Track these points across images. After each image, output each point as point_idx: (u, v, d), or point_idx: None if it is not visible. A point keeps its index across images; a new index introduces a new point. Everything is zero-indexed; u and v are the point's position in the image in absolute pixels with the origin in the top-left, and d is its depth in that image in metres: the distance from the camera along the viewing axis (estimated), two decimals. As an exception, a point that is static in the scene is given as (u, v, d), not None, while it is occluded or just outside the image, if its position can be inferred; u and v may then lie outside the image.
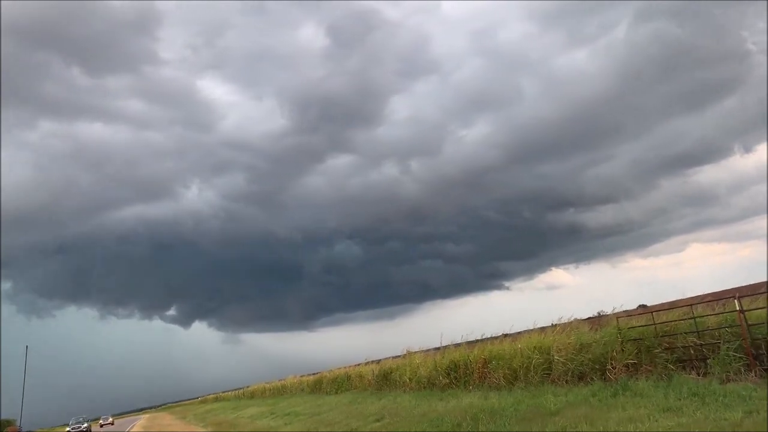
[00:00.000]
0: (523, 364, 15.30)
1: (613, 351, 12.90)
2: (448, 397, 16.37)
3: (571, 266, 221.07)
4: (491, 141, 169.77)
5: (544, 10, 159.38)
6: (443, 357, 19.76)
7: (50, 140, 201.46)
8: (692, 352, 11.77)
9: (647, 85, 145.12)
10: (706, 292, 14.49)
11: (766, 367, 10.28)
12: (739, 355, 10.64)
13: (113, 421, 66.22)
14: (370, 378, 25.60)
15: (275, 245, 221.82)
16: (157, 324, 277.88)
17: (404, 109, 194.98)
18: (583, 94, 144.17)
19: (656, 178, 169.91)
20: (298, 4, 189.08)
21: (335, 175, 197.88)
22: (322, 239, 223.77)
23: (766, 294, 11.81)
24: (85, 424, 52.79)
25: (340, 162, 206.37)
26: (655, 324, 12.64)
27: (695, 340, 11.74)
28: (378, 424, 15.84)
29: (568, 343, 14.15)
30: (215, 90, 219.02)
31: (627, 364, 12.51)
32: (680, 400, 9.56)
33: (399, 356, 25.30)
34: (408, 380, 21.12)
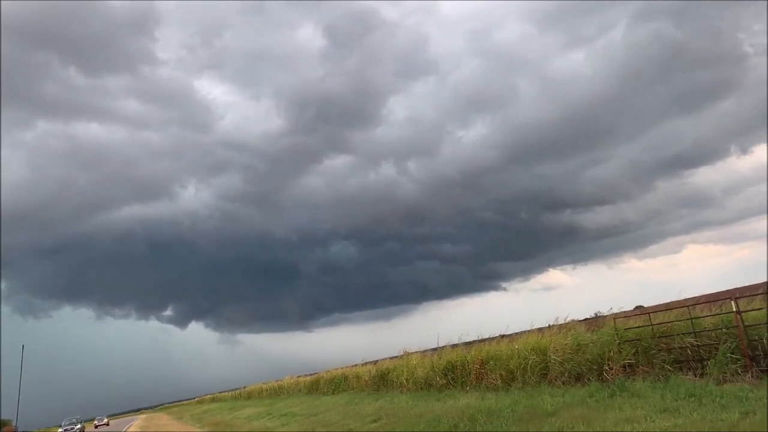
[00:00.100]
0: (520, 365, 15.31)
1: (610, 352, 12.92)
2: (446, 398, 16.37)
3: (568, 267, 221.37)
4: (489, 142, 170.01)
5: (542, 11, 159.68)
6: (440, 358, 19.76)
7: (47, 140, 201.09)
8: (689, 353, 11.79)
9: (644, 86, 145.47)
10: (702, 294, 14.49)
11: (762, 368, 10.30)
12: (735, 356, 10.67)
13: (108, 422, 65.79)
14: (367, 379, 25.60)
15: (272, 245, 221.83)
16: (153, 324, 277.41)
17: (402, 110, 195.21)
18: (581, 95, 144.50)
19: (653, 179, 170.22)
20: (295, 4, 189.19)
21: (333, 176, 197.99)
22: (320, 240, 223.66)
23: (762, 295, 11.84)
24: (78, 425, 52.42)
25: (337, 162, 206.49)
26: (652, 325, 12.66)
27: (692, 341, 11.76)
28: (375, 424, 15.83)
29: (565, 344, 14.16)
30: (213, 90, 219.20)
31: (624, 364, 12.52)
32: (677, 400, 9.57)
33: (396, 357, 25.30)
34: (405, 381, 21.11)
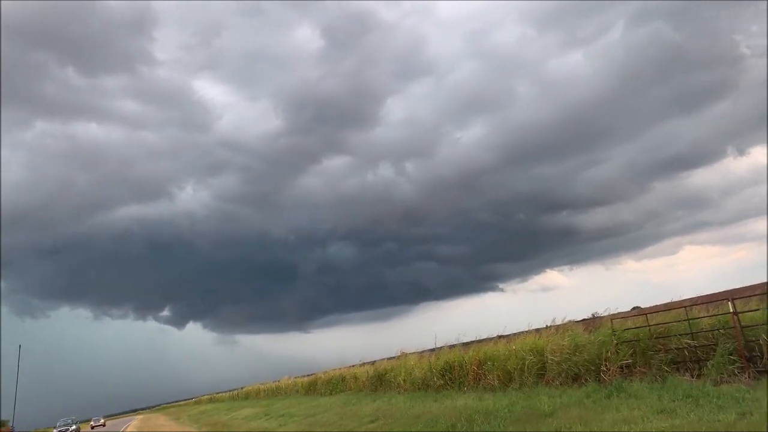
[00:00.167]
0: (517, 366, 15.33)
1: (607, 352, 12.93)
2: (443, 399, 16.37)
3: (566, 268, 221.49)
4: (486, 143, 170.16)
5: (540, 12, 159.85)
6: (438, 358, 19.77)
7: (45, 140, 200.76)
8: (686, 353, 11.82)
9: (642, 87, 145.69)
10: (699, 295, 14.52)
11: (759, 369, 10.32)
12: (733, 357, 10.69)
13: (105, 423, 65.44)
14: (364, 379, 25.59)
15: (270, 246, 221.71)
16: (151, 325, 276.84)
17: (400, 111, 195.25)
18: (578, 97, 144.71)
19: (650, 180, 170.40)
20: (293, 5, 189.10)
21: (330, 176, 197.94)
22: (318, 240, 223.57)
23: (759, 296, 11.87)
24: (74, 426, 52.10)
25: (335, 163, 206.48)
26: (649, 326, 12.68)
27: (689, 341, 11.78)
28: (373, 425, 15.83)
29: (563, 345, 14.17)
30: (211, 90, 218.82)
31: (621, 365, 12.54)
32: (674, 401, 9.59)
33: (394, 357, 25.30)
34: (402, 381, 21.11)
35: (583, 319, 17.88)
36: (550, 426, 10.06)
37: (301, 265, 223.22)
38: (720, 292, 15.03)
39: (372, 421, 16.26)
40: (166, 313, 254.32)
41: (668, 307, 13.76)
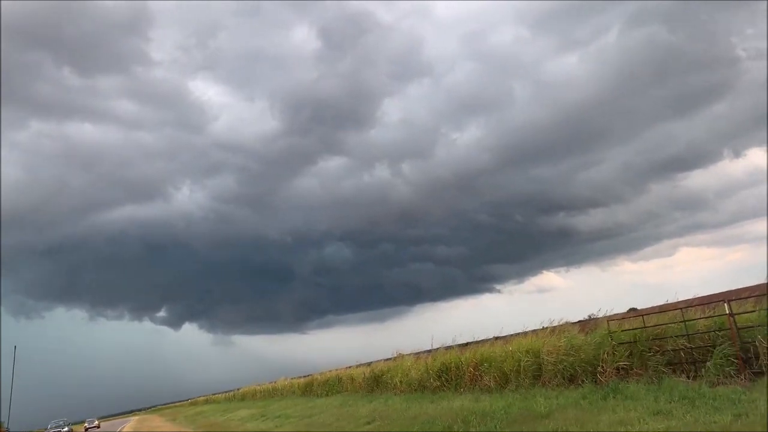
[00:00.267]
0: (514, 367, 15.33)
1: (604, 354, 12.95)
2: (439, 400, 16.37)
3: (562, 269, 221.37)
4: (483, 144, 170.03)
5: (537, 14, 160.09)
6: (434, 360, 19.77)
7: (41, 140, 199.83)
8: (682, 355, 11.84)
9: (638, 89, 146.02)
10: (696, 296, 14.55)
11: (755, 371, 10.35)
12: (729, 359, 10.71)
13: (99, 425, 64.81)
14: (361, 380, 25.56)
15: (266, 247, 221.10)
16: (147, 325, 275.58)
17: (396, 112, 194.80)
18: (575, 98, 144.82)
19: (646, 182, 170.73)
20: (290, 5, 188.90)
21: (327, 177, 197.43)
22: (314, 241, 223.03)
23: (755, 298, 11.90)
24: (66, 428, 51.63)
25: (332, 164, 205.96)
26: (645, 327, 12.70)
27: (685, 343, 11.81)
28: (369, 426, 15.82)
29: (559, 346, 14.19)
30: (207, 91, 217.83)
31: (618, 366, 12.56)
32: (670, 403, 9.61)
33: (390, 359, 25.28)
34: (399, 383, 21.09)
35: (580, 321, 17.89)
36: (547, 427, 10.07)
37: (298, 266, 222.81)
38: (716, 294, 15.06)
39: (368, 423, 16.25)
40: (162, 314, 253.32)
41: (664, 309, 13.79)
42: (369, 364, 27.85)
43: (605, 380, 12.42)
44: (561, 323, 16.53)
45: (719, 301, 11.92)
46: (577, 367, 13.47)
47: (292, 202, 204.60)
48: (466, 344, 20.63)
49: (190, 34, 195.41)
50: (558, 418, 10.45)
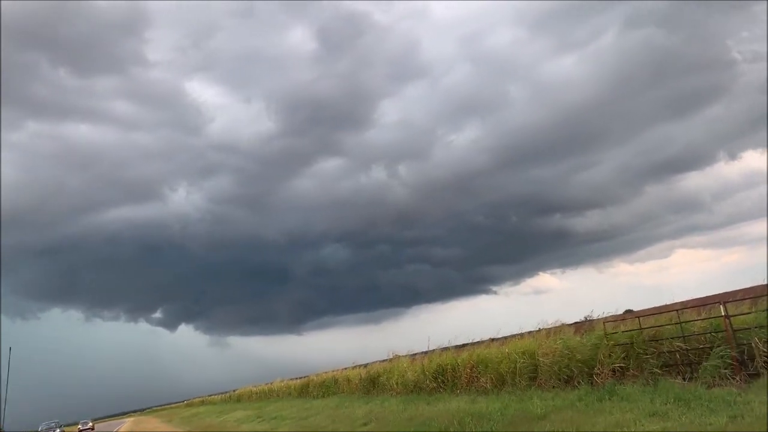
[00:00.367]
0: (510, 369, 15.33)
1: (600, 355, 12.96)
2: (436, 401, 16.35)
3: (559, 271, 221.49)
4: (480, 146, 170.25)
5: (534, 16, 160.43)
6: (431, 361, 19.75)
7: (37, 141, 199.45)
8: (678, 356, 11.85)
9: (635, 91, 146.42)
10: (691, 298, 14.59)
11: (750, 372, 10.36)
12: (724, 361, 10.73)
13: (93, 426, 64.31)
14: (357, 382, 25.53)
15: (263, 248, 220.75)
16: (143, 326, 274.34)
17: (393, 113, 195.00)
18: (572, 100, 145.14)
19: (642, 184, 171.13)
20: (287, 6, 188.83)
21: (324, 179, 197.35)
22: (311, 242, 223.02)
23: (751, 299, 11.93)
24: (57, 430, 51.36)
25: (329, 165, 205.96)
26: (641, 329, 12.71)
27: (681, 345, 11.82)
28: (365, 428, 15.80)
29: (554, 348, 14.19)
30: (204, 92, 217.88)
31: (614, 368, 12.57)
32: (666, 404, 9.61)
33: (386, 360, 25.26)
34: (395, 384, 21.07)
35: (576, 322, 17.90)
36: (543, 429, 10.06)
37: (294, 267, 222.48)
38: (712, 296, 15.10)
39: (364, 424, 16.23)
40: (158, 314, 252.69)
41: (660, 311, 13.82)
42: (365, 365, 27.82)
43: (602, 382, 12.43)
44: (557, 325, 16.54)
45: (715, 302, 11.95)
46: (573, 368, 13.48)
47: (288, 203, 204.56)
48: (463, 346, 20.62)
49: (186, 35, 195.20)
50: (554, 420, 10.45)
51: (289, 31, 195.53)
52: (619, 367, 12.52)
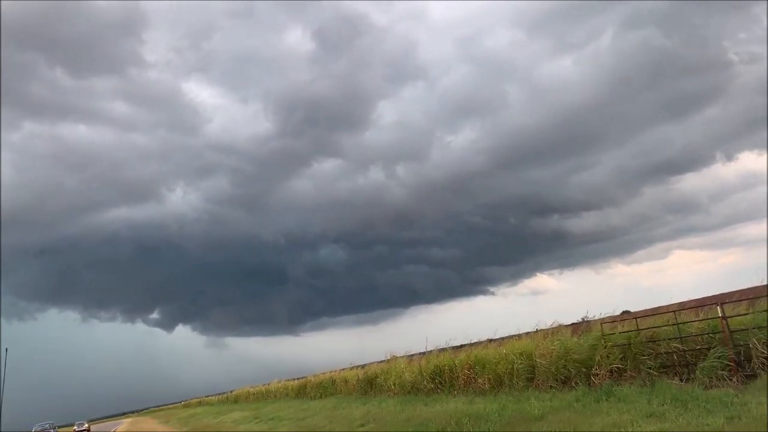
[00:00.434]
0: (507, 369, 15.34)
1: (597, 356, 12.97)
2: (433, 402, 16.35)
3: (556, 272, 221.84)
4: (477, 147, 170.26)
5: (531, 18, 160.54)
6: (428, 362, 19.75)
7: (33, 141, 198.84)
8: (675, 357, 11.87)
9: (632, 92, 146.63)
10: (688, 299, 14.62)
11: (747, 373, 10.38)
12: (721, 361, 10.74)
13: (89, 427, 63.89)
14: (354, 383, 25.53)
15: (260, 249, 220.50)
16: (140, 327, 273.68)
17: (391, 114, 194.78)
18: (569, 101, 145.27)
19: (640, 185, 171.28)
20: (284, 7, 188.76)
21: (321, 179, 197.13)
22: (308, 243, 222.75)
23: (748, 300, 11.95)
24: (51, 431, 51.33)
25: (326, 166, 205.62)
26: (638, 330, 12.73)
27: (678, 346, 11.84)
28: (363, 428, 15.80)
29: (552, 349, 14.21)
30: (201, 93, 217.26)
31: (611, 369, 12.58)
32: (663, 405, 9.62)
33: (384, 361, 25.26)
34: (393, 385, 21.07)
35: (573, 323, 17.92)
36: (540, 429, 10.07)
37: (292, 268, 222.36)
38: (709, 297, 15.13)
39: (362, 425, 16.23)
40: (155, 315, 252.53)
41: (657, 312, 13.84)
42: (363, 366, 27.81)
43: (599, 382, 12.44)
44: (554, 326, 16.55)
45: (712, 304, 11.96)
46: (570, 369, 13.49)
47: (286, 203, 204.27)
48: (460, 346, 20.63)
49: (183, 35, 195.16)
50: (551, 421, 10.46)
51: (286, 31, 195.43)
52: (617, 368, 12.53)
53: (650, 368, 11.92)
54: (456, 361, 17.97)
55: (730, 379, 10.39)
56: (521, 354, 15.15)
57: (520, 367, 14.89)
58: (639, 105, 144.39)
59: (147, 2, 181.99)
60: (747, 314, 11.31)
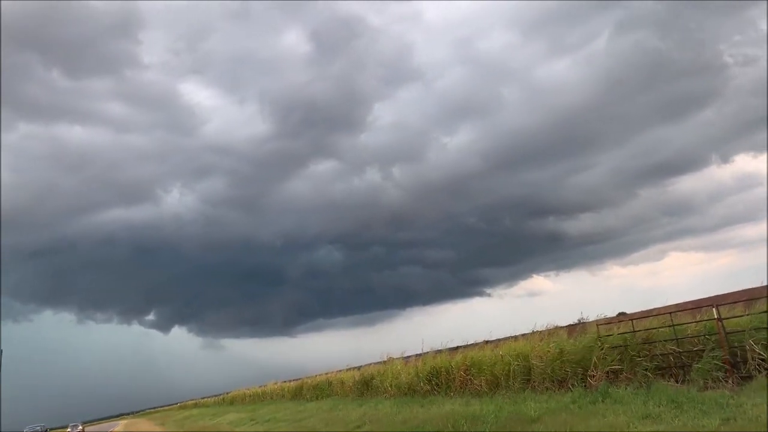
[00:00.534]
0: (504, 371, 15.34)
1: (594, 358, 12.98)
2: (430, 404, 16.34)
3: (552, 273, 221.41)
4: (474, 148, 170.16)
5: (527, 20, 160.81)
6: (424, 363, 19.75)
7: (29, 142, 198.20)
8: (671, 359, 11.88)
9: (628, 95, 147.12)
10: (684, 301, 14.65)
11: (743, 375, 10.40)
12: (717, 363, 10.77)
13: (83, 429, 63.53)
14: (351, 384, 25.50)
15: (257, 250, 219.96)
16: (135, 329, 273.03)
17: (388, 116, 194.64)
18: (565, 103, 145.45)
19: (636, 187, 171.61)
20: (281, 9, 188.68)
21: (318, 181, 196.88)
22: (305, 244, 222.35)
23: (744, 302, 11.97)
24: None
25: (322, 167, 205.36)
26: (634, 331, 12.75)
27: (674, 347, 11.85)
28: (359, 430, 15.79)
29: (547, 351, 14.22)
30: (197, 94, 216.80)
31: (607, 371, 12.59)
32: (659, 407, 9.64)
33: (380, 362, 25.23)
34: (389, 387, 21.05)
35: (569, 325, 17.94)
36: (537, 431, 10.08)
37: (288, 270, 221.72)
38: (705, 298, 15.16)
39: (358, 427, 16.21)
40: (151, 317, 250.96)
41: (653, 313, 13.85)
42: (359, 367, 27.78)
43: (596, 384, 12.45)
44: (550, 327, 16.56)
45: (708, 305, 11.99)
46: (567, 371, 13.50)
47: (282, 205, 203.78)
48: (457, 348, 20.63)
49: (180, 36, 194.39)
50: (548, 422, 10.47)
51: (283, 33, 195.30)
52: (613, 369, 12.54)
53: (646, 370, 11.93)
54: (452, 363, 17.96)
55: (726, 381, 10.41)
56: (517, 355, 15.15)
57: (516, 368, 14.89)
58: (635, 107, 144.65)
59: (143, 3, 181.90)
60: (743, 316, 11.34)
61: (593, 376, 12.78)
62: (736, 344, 10.81)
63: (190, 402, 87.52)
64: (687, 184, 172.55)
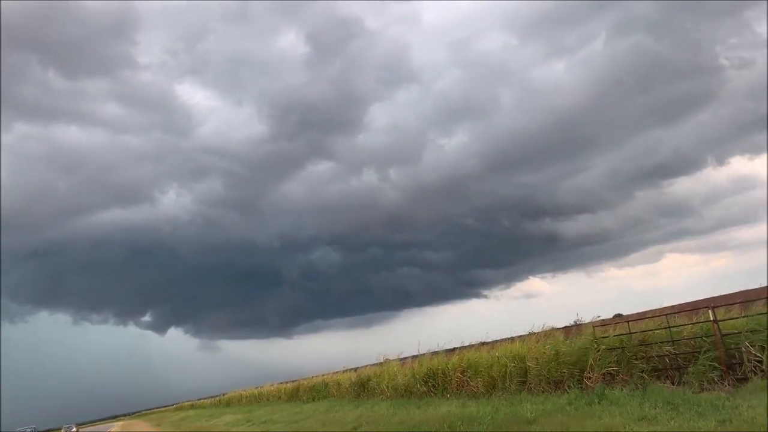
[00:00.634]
0: (500, 373, 15.35)
1: (590, 359, 12.99)
2: (426, 406, 16.33)
3: (549, 275, 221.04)
4: (470, 150, 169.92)
5: (524, 22, 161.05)
6: (421, 365, 19.74)
7: (25, 143, 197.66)
8: (667, 361, 11.90)
9: (624, 97, 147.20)
10: (681, 302, 14.65)
11: (739, 377, 10.42)
12: (713, 365, 10.78)
13: (78, 431, 63.24)
14: (347, 386, 25.48)
15: (254, 251, 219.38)
16: (131, 330, 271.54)
17: (384, 117, 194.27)
18: (562, 105, 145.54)
19: (632, 188, 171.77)
20: (278, 10, 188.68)
21: (315, 182, 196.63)
22: (302, 245, 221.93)
23: (740, 304, 12.00)
24: None
25: (320, 168, 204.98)
26: (631, 333, 12.76)
27: (671, 349, 11.87)
28: (355, 432, 15.77)
29: (543, 352, 14.23)
30: (194, 95, 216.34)
31: (604, 372, 12.60)
32: (655, 408, 9.64)
33: (377, 364, 25.22)
34: (386, 388, 21.03)
35: (566, 326, 17.95)
36: (533, 433, 10.09)
37: (285, 271, 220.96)
38: (701, 300, 15.17)
39: (355, 428, 16.18)
40: (147, 318, 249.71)
41: (649, 315, 13.87)
42: (356, 369, 27.76)
43: (591, 386, 12.46)
44: (547, 329, 16.57)
45: (704, 307, 12.00)
46: (563, 372, 13.51)
47: (279, 206, 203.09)
48: (453, 349, 20.62)
49: (177, 37, 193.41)
50: (544, 424, 10.46)
51: (280, 34, 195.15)
52: (609, 371, 12.55)
53: (642, 371, 11.95)
54: (449, 364, 17.96)
55: (722, 383, 10.43)
56: (514, 357, 15.16)
57: (512, 370, 14.90)
58: (631, 109, 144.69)
59: (140, 4, 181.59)
60: (739, 318, 11.36)
61: (589, 377, 12.79)
62: (732, 346, 10.84)
63: (186, 403, 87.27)
64: (683, 186, 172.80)
